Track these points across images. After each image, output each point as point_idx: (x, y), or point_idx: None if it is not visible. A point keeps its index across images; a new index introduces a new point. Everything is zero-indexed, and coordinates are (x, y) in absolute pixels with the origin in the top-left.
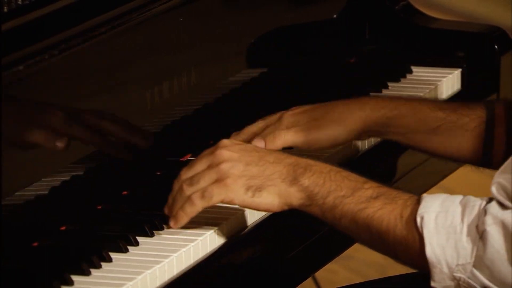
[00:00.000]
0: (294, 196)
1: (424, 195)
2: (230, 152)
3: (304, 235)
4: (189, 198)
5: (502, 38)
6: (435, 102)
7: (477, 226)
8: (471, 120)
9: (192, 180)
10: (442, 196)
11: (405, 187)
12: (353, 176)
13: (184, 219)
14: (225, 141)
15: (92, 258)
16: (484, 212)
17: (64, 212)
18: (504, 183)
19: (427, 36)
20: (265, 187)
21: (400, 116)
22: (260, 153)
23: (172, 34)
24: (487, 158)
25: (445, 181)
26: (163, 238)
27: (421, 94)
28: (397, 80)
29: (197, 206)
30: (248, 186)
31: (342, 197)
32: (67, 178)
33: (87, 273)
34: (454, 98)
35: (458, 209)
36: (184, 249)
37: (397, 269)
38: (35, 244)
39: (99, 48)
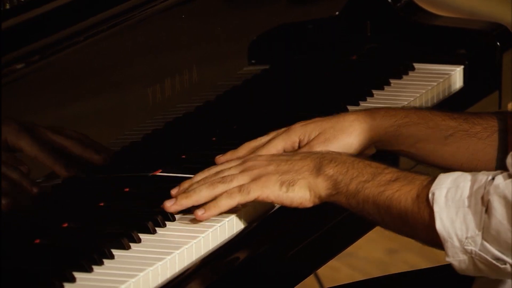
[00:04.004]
0: (322, 186)
1: (441, 174)
2: (259, 161)
3: (306, 232)
4: (225, 192)
5: (504, 35)
6: (446, 112)
7: (482, 197)
8: (484, 129)
9: (224, 179)
10: (457, 173)
11: None
12: (375, 164)
13: (216, 211)
14: (251, 156)
15: (94, 255)
16: (490, 183)
17: (66, 209)
18: None
19: (429, 33)
20: (296, 181)
21: (411, 123)
22: (287, 155)
23: (174, 31)
24: (500, 167)
25: None
26: (165, 235)
27: (423, 91)
28: (399, 77)
29: (234, 200)
30: (282, 182)
31: (364, 182)
32: (69, 175)
33: (89, 270)
34: (457, 95)
35: (468, 184)
36: (186, 246)
37: (399, 266)
38: (37, 241)
39: (101, 46)
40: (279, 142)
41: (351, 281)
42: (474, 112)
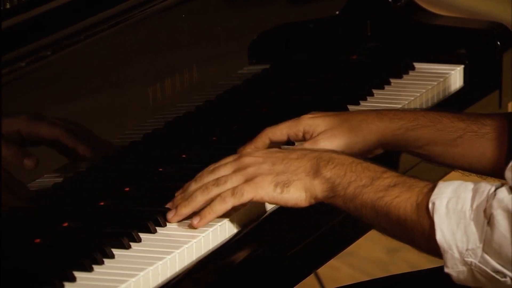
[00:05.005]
0: (318, 188)
1: (440, 182)
2: (254, 157)
3: (306, 232)
4: (219, 196)
5: (504, 35)
6: (454, 113)
7: (484, 210)
8: (493, 130)
9: (218, 181)
10: (457, 183)
11: None
12: (373, 167)
13: (211, 217)
14: (247, 150)
15: (95, 254)
16: (493, 196)
17: (67, 208)
18: None
19: (429, 32)
20: (292, 182)
21: (419, 126)
22: (284, 153)
23: (174, 31)
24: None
25: (447, 178)
26: (165, 234)
27: (424, 90)
28: (399, 76)
29: (228, 203)
30: (277, 183)
31: (362, 186)
32: (70, 174)
33: (90, 270)
34: (457, 95)
35: (469, 195)
36: (186, 246)
37: (399, 265)
38: (37, 241)
39: (101, 45)
40: (285, 126)
41: (351, 281)
42: (483, 113)
